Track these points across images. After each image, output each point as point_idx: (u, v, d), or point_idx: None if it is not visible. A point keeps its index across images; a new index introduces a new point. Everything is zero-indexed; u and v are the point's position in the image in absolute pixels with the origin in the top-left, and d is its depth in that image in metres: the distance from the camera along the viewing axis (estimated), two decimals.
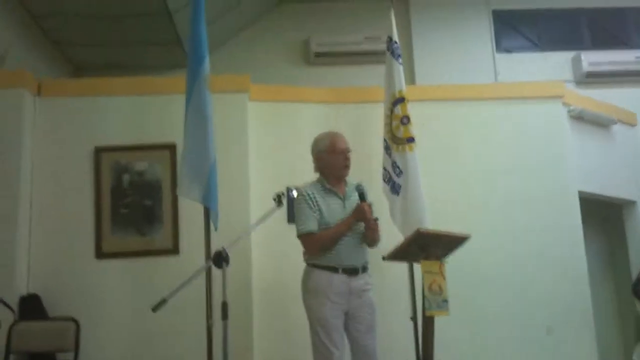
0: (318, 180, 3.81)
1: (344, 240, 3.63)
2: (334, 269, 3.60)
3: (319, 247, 3.63)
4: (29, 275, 4.42)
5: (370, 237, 3.68)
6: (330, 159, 3.77)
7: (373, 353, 3.66)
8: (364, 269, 3.71)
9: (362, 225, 3.67)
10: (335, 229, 3.62)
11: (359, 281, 3.65)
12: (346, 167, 3.77)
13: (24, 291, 4.35)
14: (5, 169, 4.42)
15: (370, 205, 3.65)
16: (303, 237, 3.67)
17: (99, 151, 4.65)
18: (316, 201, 3.67)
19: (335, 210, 3.69)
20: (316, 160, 3.85)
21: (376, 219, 3.67)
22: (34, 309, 4.29)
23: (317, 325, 3.59)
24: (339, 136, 3.84)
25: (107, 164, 4.65)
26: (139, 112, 4.79)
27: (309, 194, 3.69)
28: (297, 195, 3.76)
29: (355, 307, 3.64)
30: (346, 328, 3.66)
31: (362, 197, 3.67)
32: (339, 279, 3.60)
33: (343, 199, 3.74)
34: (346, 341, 3.67)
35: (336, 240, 3.61)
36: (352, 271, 3.64)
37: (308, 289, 3.67)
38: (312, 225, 3.62)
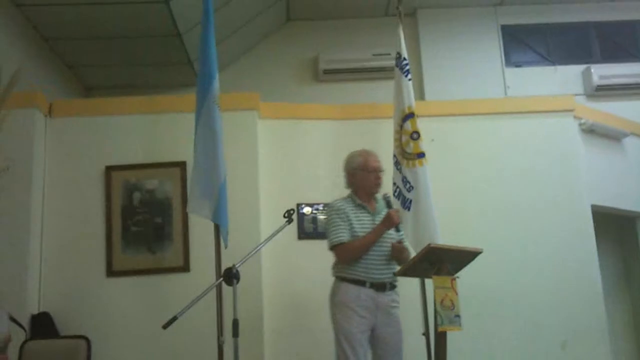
0: (349, 196, 3.92)
1: (373, 255, 3.70)
2: (362, 283, 3.67)
3: (350, 255, 3.70)
4: (40, 293, 4.43)
5: (397, 258, 3.75)
6: (363, 177, 3.87)
7: None
8: (392, 286, 3.77)
9: (390, 241, 3.75)
10: (366, 237, 3.71)
11: (385, 297, 3.71)
12: (377, 185, 3.88)
13: (35, 309, 4.36)
14: (17, 188, 4.44)
15: (397, 211, 3.75)
16: (335, 247, 3.74)
17: (109, 170, 4.68)
18: (347, 215, 3.77)
19: (365, 224, 3.77)
20: (349, 177, 3.95)
21: (399, 230, 3.76)
22: (45, 327, 4.30)
23: (342, 338, 3.63)
24: (372, 155, 3.95)
25: (118, 182, 4.67)
26: (149, 131, 4.82)
27: (340, 208, 3.81)
28: (329, 210, 3.88)
29: (382, 325, 3.68)
30: (372, 347, 3.70)
31: (388, 205, 3.79)
32: (366, 293, 3.66)
33: (373, 214, 3.83)
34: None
35: (366, 248, 3.68)
36: (380, 286, 3.70)
37: (335, 302, 3.73)
38: (344, 236, 3.71)
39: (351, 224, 3.76)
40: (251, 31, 6.86)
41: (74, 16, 5.32)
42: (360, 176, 3.88)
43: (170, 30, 5.61)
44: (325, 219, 3.96)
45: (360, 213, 3.83)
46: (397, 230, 3.75)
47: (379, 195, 3.93)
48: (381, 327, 3.69)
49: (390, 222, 3.68)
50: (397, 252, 3.74)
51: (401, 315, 3.79)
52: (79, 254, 4.55)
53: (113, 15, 5.39)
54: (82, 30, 5.58)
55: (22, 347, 4.04)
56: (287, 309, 4.67)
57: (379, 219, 3.79)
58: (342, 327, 3.65)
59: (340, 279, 3.75)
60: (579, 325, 4.87)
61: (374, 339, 3.70)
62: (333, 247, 3.76)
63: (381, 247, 3.74)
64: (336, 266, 3.81)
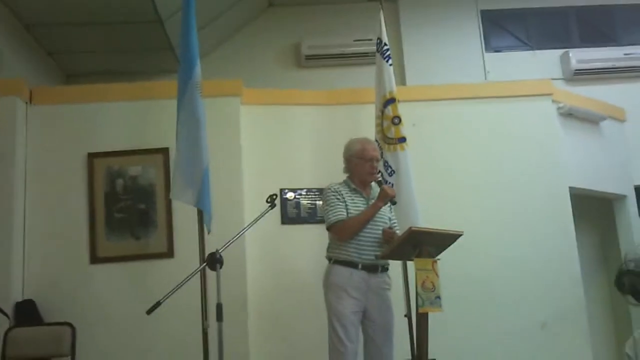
0: (345, 181, 3.97)
1: (366, 237, 3.77)
2: (354, 265, 3.73)
3: (349, 232, 3.76)
4: (24, 281, 4.43)
5: (387, 243, 3.79)
6: (359, 164, 3.92)
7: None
8: (384, 268, 3.85)
9: (382, 223, 3.82)
10: (364, 212, 3.79)
11: (377, 279, 3.78)
12: (372, 174, 3.92)
13: (19, 297, 4.36)
14: None
15: (391, 185, 3.84)
16: (334, 226, 3.79)
17: (92, 157, 4.68)
18: (342, 196, 3.83)
19: (359, 208, 3.83)
20: (346, 162, 4.00)
21: (394, 203, 3.87)
22: (29, 314, 4.31)
23: (334, 318, 3.70)
24: (370, 143, 4.02)
25: (101, 169, 4.67)
26: (131, 118, 4.82)
27: (336, 189, 3.87)
28: (325, 191, 3.93)
29: (374, 306, 3.75)
30: (363, 328, 3.77)
31: (380, 183, 3.87)
32: (359, 274, 3.72)
33: (367, 199, 3.89)
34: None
35: (364, 224, 3.76)
36: (372, 268, 3.76)
37: (328, 284, 3.79)
38: (341, 214, 3.77)
39: (347, 205, 3.81)
40: (233, 17, 6.84)
41: (54, 2, 5.28)
42: (356, 163, 3.93)
43: (152, 16, 5.58)
44: (322, 200, 4.00)
45: (355, 197, 3.88)
46: (393, 203, 3.84)
47: (374, 183, 4.00)
48: (372, 309, 3.75)
49: (386, 196, 3.75)
50: (388, 237, 3.79)
51: (392, 298, 3.86)
52: (63, 241, 4.55)
53: (94, 2, 5.35)
54: (63, 16, 5.53)
55: (6, 334, 4.06)
56: (272, 293, 4.72)
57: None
58: (335, 308, 3.71)
59: (333, 261, 3.80)
60: (558, 305, 4.97)
61: (365, 320, 3.77)
62: (331, 226, 3.80)
63: (373, 230, 3.80)
64: (330, 248, 3.87)
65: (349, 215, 3.79)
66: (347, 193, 3.87)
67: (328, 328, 3.73)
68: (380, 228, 3.83)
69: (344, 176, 4.00)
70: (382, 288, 3.80)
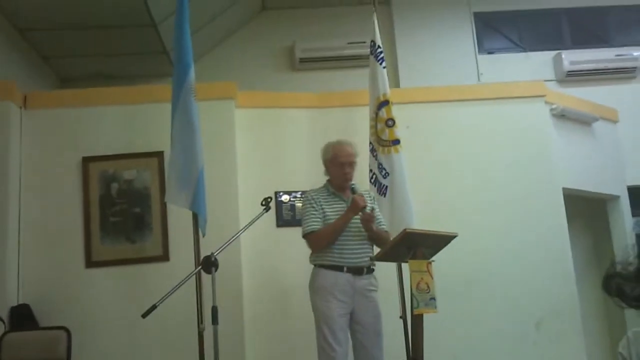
0: (324, 185, 3.99)
1: (348, 240, 3.77)
2: (339, 268, 3.73)
3: (320, 243, 3.77)
4: (19, 285, 4.43)
5: (366, 228, 3.76)
6: (332, 169, 3.94)
7: None
8: (370, 269, 3.83)
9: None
10: (334, 223, 3.77)
11: (363, 281, 3.78)
12: (345, 179, 3.90)
13: (14, 301, 4.35)
14: None
15: (362, 195, 3.78)
16: (307, 236, 3.82)
17: (86, 161, 4.68)
18: (320, 204, 3.84)
19: (339, 212, 3.82)
20: (324, 166, 4.01)
21: (372, 209, 3.81)
22: (24, 319, 4.30)
23: (322, 323, 3.69)
24: (343, 146, 3.96)
25: (95, 173, 4.67)
26: (126, 121, 4.82)
27: (313, 198, 3.87)
28: (303, 199, 3.95)
29: (361, 308, 3.75)
30: (351, 331, 3.77)
31: (353, 191, 3.83)
32: (344, 277, 3.72)
33: (347, 201, 3.86)
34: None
35: (336, 235, 3.74)
36: (357, 271, 3.76)
37: (314, 289, 3.79)
38: (315, 225, 3.78)
39: (324, 212, 3.82)
40: (227, 21, 6.85)
41: (48, 7, 5.28)
42: (331, 168, 3.95)
43: (146, 19, 5.59)
44: (300, 208, 4.01)
45: (334, 201, 3.88)
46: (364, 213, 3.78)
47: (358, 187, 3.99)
48: (359, 311, 3.75)
49: (356, 207, 3.72)
50: (365, 222, 3.75)
51: (379, 299, 3.86)
52: (58, 245, 4.55)
53: (88, 6, 5.35)
54: (57, 20, 5.53)
55: (1, 338, 4.06)
56: (267, 296, 4.73)
57: None
58: (322, 312, 3.71)
59: (318, 266, 3.81)
60: (552, 305, 5.00)
61: (353, 323, 3.77)
62: (305, 236, 3.83)
63: (355, 233, 3.79)
64: (313, 254, 3.87)
65: (327, 221, 3.79)
66: (325, 198, 3.88)
67: (316, 333, 3.73)
68: (362, 232, 3.81)
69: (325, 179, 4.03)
70: (368, 290, 3.79)
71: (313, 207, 3.83)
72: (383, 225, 4.00)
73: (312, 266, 3.87)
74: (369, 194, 4.07)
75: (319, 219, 3.80)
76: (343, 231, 3.76)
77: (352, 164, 3.93)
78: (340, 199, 3.90)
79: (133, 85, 5.47)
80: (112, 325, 4.44)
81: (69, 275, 4.51)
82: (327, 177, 4.02)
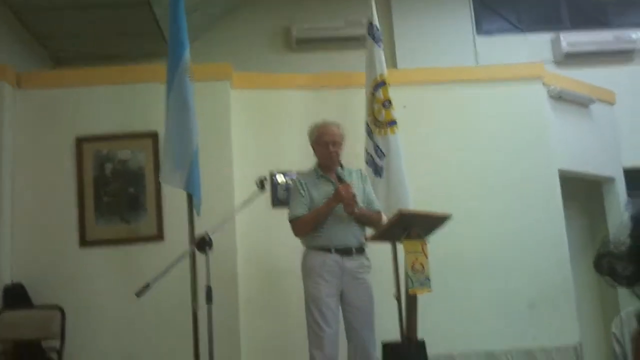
0: (313, 168, 3.96)
1: (336, 222, 3.74)
2: (328, 249, 3.72)
3: (304, 229, 3.77)
4: (13, 264, 4.43)
5: (348, 212, 3.72)
6: (318, 149, 3.91)
7: (369, 345, 3.74)
8: (359, 250, 3.81)
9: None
10: (317, 210, 3.74)
11: (353, 262, 3.76)
12: (332, 158, 3.86)
13: (8, 281, 4.36)
14: None
15: (349, 185, 3.72)
16: (292, 222, 3.82)
17: (80, 141, 4.66)
18: (307, 188, 3.82)
19: (327, 194, 3.79)
20: (312, 148, 3.97)
21: (354, 195, 3.72)
22: (18, 298, 4.30)
23: (311, 303, 3.70)
24: (327, 127, 3.92)
25: (89, 153, 4.66)
26: (120, 102, 4.80)
27: (300, 182, 3.85)
28: (292, 184, 3.94)
29: (350, 289, 3.73)
30: (342, 312, 3.76)
31: (339, 179, 3.78)
32: (332, 258, 3.71)
33: (334, 183, 3.83)
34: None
35: (318, 220, 3.72)
36: (346, 251, 3.74)
37: (304, 270, 3.79)
38: (300, 211, 3.77)
39: (311, 196, 3.80)
40: (223, 0, 6.79)
41: None
42: (317, 149, 3.93)
43: None
44: (288, 193, 4.01)
45: (322, 184, 3.86)
46: (348, 209, 3.71)
47: (351, 168, 3.97)
48: (349, 292, 3.73)
49: (338, 197, 3.68)
50: (347, 206, 3.68)
51: (373, 280, 3.86)
52: (52, 225, 4.54)
53: None
54: (51, 0, 5.47)
55: None
56: (262, 276, 4.74)
57: None
58: (310, 293, 3.71)
59: (307, 247, 3.81)
60: (546, 286, 5.01)
61: (343, 305, 3.75)
62: (290, 222, 3.83)
63: (343, 214, 3.75)
64: (297, 236, 3.87)
65: (314, 205, 3.77)
66: (313, 181, 3.86)
67: (306, 314, 3.73)
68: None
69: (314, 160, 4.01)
70: (357, 271, 3.77)
71: (300, 192, 3.82)
72: (376, 206, 3.99)
73: (304, 248, 3.87)
74: (360, 173, 4.02)
75: (304, 205, 3.78)
76: (326, 217, 3.73)
77: (336, 143, 3.87)
78: (328, 180, 3.87)
79: (128, 66, 5.43)
80: (106, 305, 4.44)
81: (63, 254, 4.51)
82: (316, 159, 3.99)
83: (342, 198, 3.67)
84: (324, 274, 3.69)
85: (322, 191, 3.82)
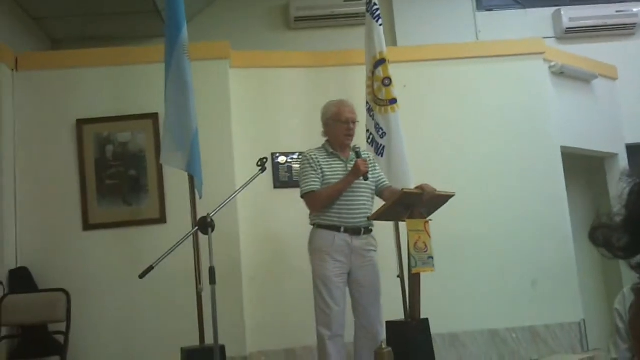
0: (323, 146, 3.95)
1: (346, 201, 3.75)
2: (337, 228, 3.74)
3: (319, 204, 3.77)
4: (17, 249, 4.44)
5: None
6: (335, 127, 3.89)
7: (376, 323, 3.77)
8: (368, 230, 3.83)
9: (364, 186, 3.77)
10: (335, 186, 3.76)
11: (360, 241, 3.78)
12: (348, 136, 3.88)
13: (12, 265, 4.37)
14: None
15: (366, 161, 3.75)
16: (305, 196, 3.82)
17: (80, 123, 4.63)
18: (319, 163, 3.81)
19: (337, 172, 3.82)
20: (324, 126, 3.97)
21: (367, 179, 3.76)
22: (23, 281, 4.32)
23: (319, 282, 3.73)
24: (346, 105, 3.95)
25: (90, 135, 4.64)
26: (119, 83, 4.77)
27: (312, 157, 3.85)
28: (302, 159, 3.93)
29: (357, 267, 3.76)
30: (350, 291, 3.80)
31: (358, 155, 3.78)
32: (341, 237, 3.73)
33: (346, 161, 3.86)
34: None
35: (335, 197, 3.74)
36: (355, 231, 3.76)
37: (312, 249, 3.81)
38: (314, 185, 3.77)
39: (323, 172, 3.80)
40: None
41: None
42: (332, 126, 3.91)
43: None
44: (299, 166, 3.98)
45: (333, 161, 3.87)
46: (365, 179, 3.76)
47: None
48: (356, 270, 3.77)
49: (358, 172, 3.70)
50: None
51: (377, 259, 3.88)
52: (54, 208, 4.54)
53: None
54: None
55: (1, 301, 4.08)
56: (264, 256, 4.74)
57: (351, 166, 3.81)
58: (319, 271, 3.74)
59: (316, 225, 3.82)
60: (548, 263, 5.02)
61: (351, 283, 3.79)
62: (303, 196, 3.83)
63: (354, 194, 3.78)
64: (312, 214, 3.87)
65: (327, 181, 3.78)
66: (324, 158, 3.86)
67: (314, 292, 3.76)
68: (361, 191, 3.81)
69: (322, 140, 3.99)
70: (365, 250, 3.80)
71: (312, 166, 3.81)
72: (385, 182, 3.99)
73: (310, 227, 3.87)
74: (367, 155, 4.04)
75: (317, 179, 3.79)
76: (342, 194, 3.74)
77: (355, 122, 3.92)
78: (339, 158, 3.89)
79: (126, 46, 5.39)
80: (110, 287, 4.46)
81: (67, 238, 4.52)
82: (325, 138, 3.97)
83: (360, 172, 3.68)
84: (333, 253, 3.72)
85: (334, 170, 3.83)
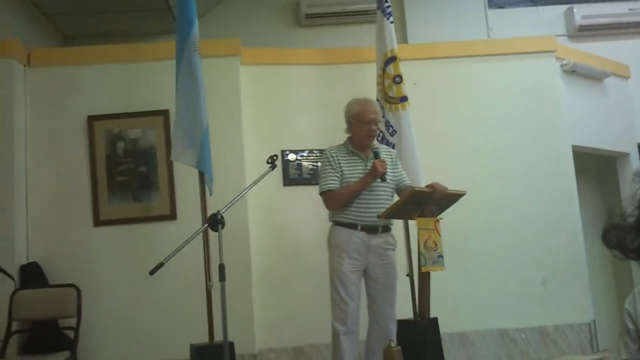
0: (344, 143, 3.95)
1: (364, 200, 3.76)
2: (354, 226, 3.75)
3: (336, 203, 3.79)
4: (29, 244, 4.47)
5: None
6: (357, 127, 3.88)
7: (389, 321, 3.77)
8: (386, 228, 3.84)
9: (383, 185, 3.78)
10: (352, 186, 3.76)
11: (378, 240, 3.79)
12: (370, 136, 3.88)
13: (24, 260, 4.39)
14: None
15: (384, 162, 3.74)
16: (323, 195, 3.83)
17: (92, 120, 4.66)
18: (338, 161, 3.83)
19: (357, 170, 3.82)
20: (346, 123, 3.96)
21: (384, 180, 3.76)
22: (34, 276, 4.35)
23: (335, 278, 3.75)
24: (370, 105, 3.94)
25: (101, 132, 4.66)
26: (130, 79, 4.78)
27: (332, 155, 3.85)
28: (322, 157, 3.95)
29: (373, 265, 3.77)
30: (366, 288, 3.81)
31: (376, 155, 3.78)
32: (358, 235, 3.74)
33: (366, 160, 3.86)
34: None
35: (352, 197, 3.75)
36: (372, 229, 3.77)
37: (330, 245, 3.83)
38: (332, 184, 3.78)
39: (342, 170, 3.81)
40: None
41: None
42: (355, 125, 3.90)
43: None
44: (319, 165, 3.98)
45: (353, 160, 3.87)
46: (383, 180, 3.75)
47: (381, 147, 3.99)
48: (372, 268, 3.78)
49: (375, 173, 3.70)
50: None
51: (395, 257, 3.87)
52: (66, 204, 4.56)
53: None
54: None
55: (12, 296, 4.11)
56: (274, 254, 4.75)
57: (371, 165, 3.80)
58: (335, 268, 3.76)
59: (334, 223, 3.84)
60: (559, 262, 5.00)
61: (367, 279, 3.81)
62: (321, 194, 3.83)
63: (372, 192, 3.78)
64: (331, 211, 3.88)
65: (346, 179, 3.78)
66: (344, 157, 3.86)
67: (330, 287, 3.78)
68: (380, 189, 3.81)
69: (345, 137, 3.97)
70: (383, 248, 3.80)
71: (331, 165, 3.82)
72: (407, 181, 3.99)
73: (324, 224, 3.90)
74: (390, 153, 4.02)
75: (336, 178, 3.79)
76: (360, 194, 3.75)
77: (377, 122, 3.92)
78: (360, 157, 3.88)
79: (137, 43, 5.40)
80: (121, 283, 4.48)
81: (78, 234, 4.54)
82: (347, 135, 3.96)
83: (378, 174, 3.69)
84: (349, 251, 3.73)
85: (354, 168, 3.83)
